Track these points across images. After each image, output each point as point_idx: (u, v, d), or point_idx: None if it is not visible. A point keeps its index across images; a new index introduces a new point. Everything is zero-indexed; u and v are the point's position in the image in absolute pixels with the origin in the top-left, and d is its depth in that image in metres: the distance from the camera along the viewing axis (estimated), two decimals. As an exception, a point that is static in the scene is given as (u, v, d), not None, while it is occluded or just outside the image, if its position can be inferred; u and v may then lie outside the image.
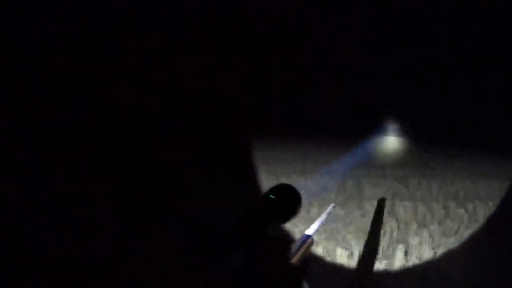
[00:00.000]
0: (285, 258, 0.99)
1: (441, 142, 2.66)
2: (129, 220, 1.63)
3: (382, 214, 2.42)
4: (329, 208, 1.29)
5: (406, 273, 2.15)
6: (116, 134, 1.73)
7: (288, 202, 1.07)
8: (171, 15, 1.74)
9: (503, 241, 2.16)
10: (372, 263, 2.13)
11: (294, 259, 1.02)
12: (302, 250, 1.06)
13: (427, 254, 2.23)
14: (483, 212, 2.39)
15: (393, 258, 2.19)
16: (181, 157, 1.94)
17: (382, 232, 2.28)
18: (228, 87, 2.10)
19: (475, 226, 2.35)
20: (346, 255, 2.16)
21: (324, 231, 2.26)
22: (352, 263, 2.14)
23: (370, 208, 2.46)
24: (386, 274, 2.14)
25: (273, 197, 1.04)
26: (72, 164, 1.56)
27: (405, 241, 2.26)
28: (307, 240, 1.09)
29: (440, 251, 2.23)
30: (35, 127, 1.46)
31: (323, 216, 1.23)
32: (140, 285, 1.50)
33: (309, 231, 1.14)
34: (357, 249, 2.18)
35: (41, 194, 1.43)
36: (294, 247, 1.04)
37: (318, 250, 2.21)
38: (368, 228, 2.31)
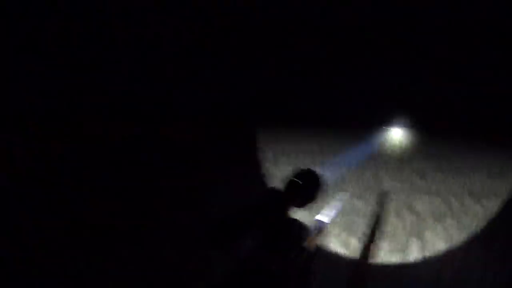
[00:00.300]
0: (301, 240, 1.01)
1: (458, 135, 2.57)
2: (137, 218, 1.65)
3: (383, 209, 2.40)
4: (342, 197, 1.30)
5: (421, 266, 2.14)
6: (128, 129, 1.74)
7: (312, 187, 1.08)
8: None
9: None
10: (373, 256, 2.13)
11: (309, 243, 1.04)
12: (316, 235, 1.08)
13: (442, 248, 2.20)
14: (498, 209, 2.34)
15: (408, 251, 2.18)
16: (200, 150, 1.95)
17: (383, 226, 2.27)
18: (244, 80, 2.07)
19: (491, 222, 2.30)
20: (361, 247, 2.15)
21: (341, 222, 2.26)
22: (375, 254, 2.14)
23: (388, 201, 2.44)
24: (401, 267, 2.14)
25: (298, 180, 1.06)
26: (76, 160, 1.57)
27: (420, 235, 2.24)
28: (322, 226, 1.12)
29: (455, 246, 2.20)
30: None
31: (338, 204, 1.25)
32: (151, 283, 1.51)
33: (324, 218, 1.14)
34: (373, 242, 2.18)
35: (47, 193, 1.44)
36: (309, 231, 1.05)
37: (335, 241, 2.21)
38: (384, 221, 2.30)
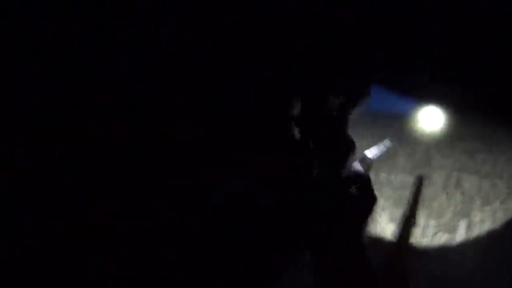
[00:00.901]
0: (348, 162, 1.02)
1: (510, 118, 2.51)
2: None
3: (420, 191, 2.37)
4: (385, 142, 1.30)
5: (467, 247, 2.12)
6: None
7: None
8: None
9: None
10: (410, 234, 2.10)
11: (354, 168, 1.06)
12: (361, 165, 1.09)
13: (489, 230, 2.17)
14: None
15: (455, 232, 2.16)
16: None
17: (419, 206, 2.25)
18: (244, 80, 2.07)
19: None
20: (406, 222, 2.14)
21: (391, 197, 2.25)
22: (416, 231, 2.13)
23: (438, 178, 2.41)
24: (447, 245, 2.12)
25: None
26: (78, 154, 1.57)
27: (468, 216, 2.22)
28: (367, 159, 1.13)
29: (502, 229, 2.17)
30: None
31: (383, 147, 1.25)
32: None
33: (369, 154, 1.16)
34: (422, 219, 2.16)
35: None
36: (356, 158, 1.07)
37: (382, 214, 2.21)
38: (435, 198, 2.29)
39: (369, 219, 1.01)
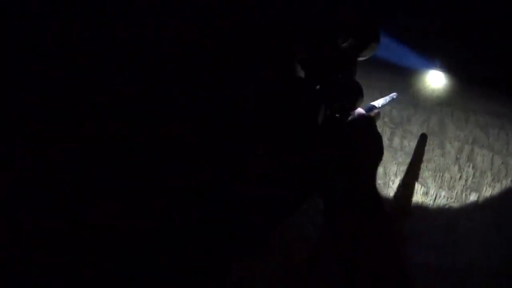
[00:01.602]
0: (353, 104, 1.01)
1: None
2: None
3: (423, 150, 2.42)
4: (392, 94, 1.32)
5: (478, 216, 2.15)
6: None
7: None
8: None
9: None
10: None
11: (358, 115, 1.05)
12: (371, 113, 1.10)
13: (500, 205, 2.20)
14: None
15: (465, 203, 2.18)
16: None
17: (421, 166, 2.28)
18: (244, 80, 2.07)
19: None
20: (421, 192, 2.17)
21: (404, 162, 2.27)
22: (427, 200, 2.15)
23: (451, 148, 2.44)
24: (457, 217, 2.15)
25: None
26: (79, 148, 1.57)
27: (478, 190, 2.25)
28: (373, 108, 1.14)
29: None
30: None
31: (389, 98, 1.27)
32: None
33: (375, 104, 1.17)
34: (433, 188, 2.18)
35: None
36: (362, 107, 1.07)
37: (396, 181, 2.24)
38: (447, 169, 2.31)
39: (377, 165, 1.00)
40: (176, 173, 1.61)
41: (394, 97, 1.32)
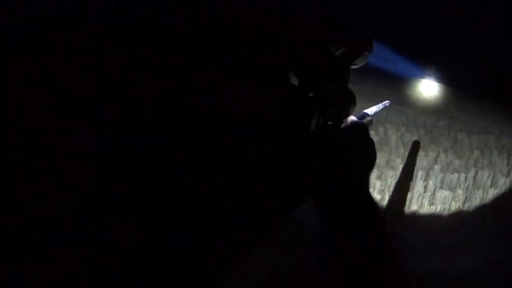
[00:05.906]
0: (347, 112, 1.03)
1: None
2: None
3: (415, 156, 2.50)
4: (385, 102, 1.33)
5: (477, 220, 2.22)
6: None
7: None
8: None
9: None
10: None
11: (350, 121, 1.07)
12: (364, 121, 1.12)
13: (499, 210, 2.30)
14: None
15: (464, 208, 2.31)
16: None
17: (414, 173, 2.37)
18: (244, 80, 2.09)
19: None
20: (416, 196, 2.29)
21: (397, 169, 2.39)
22: (422, 204, 2.25)
23: (445, 157, 2.59)
24: (460, 216, 2.26)
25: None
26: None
27: (476, 197, 2.36)
28: (366, 115, 1.15)
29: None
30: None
31: (381, 105, 1.29)
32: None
33: (368, 111, 1.17)
34: (428, 192, 2.32)
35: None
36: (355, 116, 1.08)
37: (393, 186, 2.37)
38: (441, 173, 2.44)
39: (370, 171, 1.00)
40: (175, 173, 1.62)
41: (387, 104, 1.29)
